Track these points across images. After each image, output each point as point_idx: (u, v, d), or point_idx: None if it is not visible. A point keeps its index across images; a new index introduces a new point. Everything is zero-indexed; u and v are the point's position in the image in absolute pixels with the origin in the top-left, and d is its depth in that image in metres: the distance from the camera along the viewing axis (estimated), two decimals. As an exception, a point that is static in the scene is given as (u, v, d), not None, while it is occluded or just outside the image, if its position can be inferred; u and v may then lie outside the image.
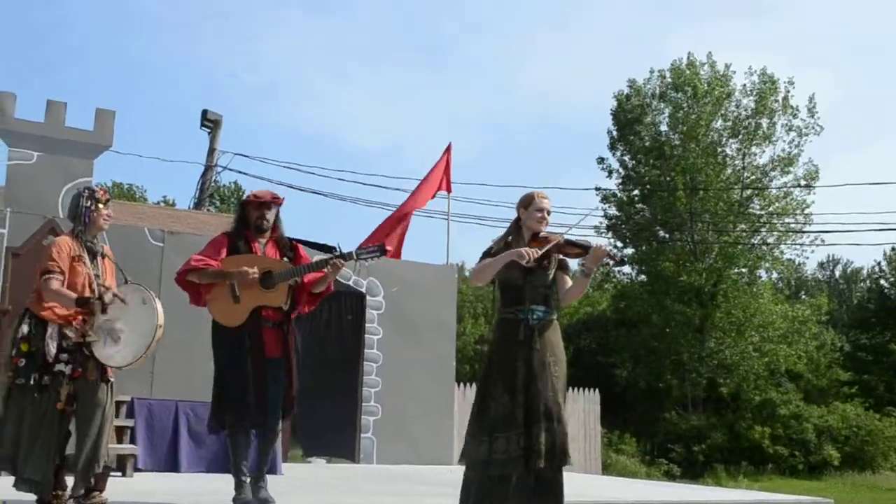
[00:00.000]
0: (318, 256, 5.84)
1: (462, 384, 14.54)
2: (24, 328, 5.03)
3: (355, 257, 5.74)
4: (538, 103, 75.87)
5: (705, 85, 29.90)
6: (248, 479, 5.67)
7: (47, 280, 5.01)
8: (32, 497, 5.04)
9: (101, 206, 5.30)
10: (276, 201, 5.87)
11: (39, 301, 5.09)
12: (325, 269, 5.69)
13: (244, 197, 6.08)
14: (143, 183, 52.92)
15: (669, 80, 30.51)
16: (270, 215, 5.85)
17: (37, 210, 9.85)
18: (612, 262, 5.57)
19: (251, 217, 5.82)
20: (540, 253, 5.31)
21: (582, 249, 5.52)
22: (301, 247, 6.01)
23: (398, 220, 13.41)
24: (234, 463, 5.71)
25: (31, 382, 4.93)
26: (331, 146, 73.11)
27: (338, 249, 5.76)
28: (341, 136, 74.79)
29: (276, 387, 5.68)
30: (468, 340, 30.05)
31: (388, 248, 5.84)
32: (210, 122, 21.75)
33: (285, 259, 5.82)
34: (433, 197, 13.52)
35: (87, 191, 5.36)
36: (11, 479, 5.09)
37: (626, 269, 31.92)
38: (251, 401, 5.51)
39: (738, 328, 28.80)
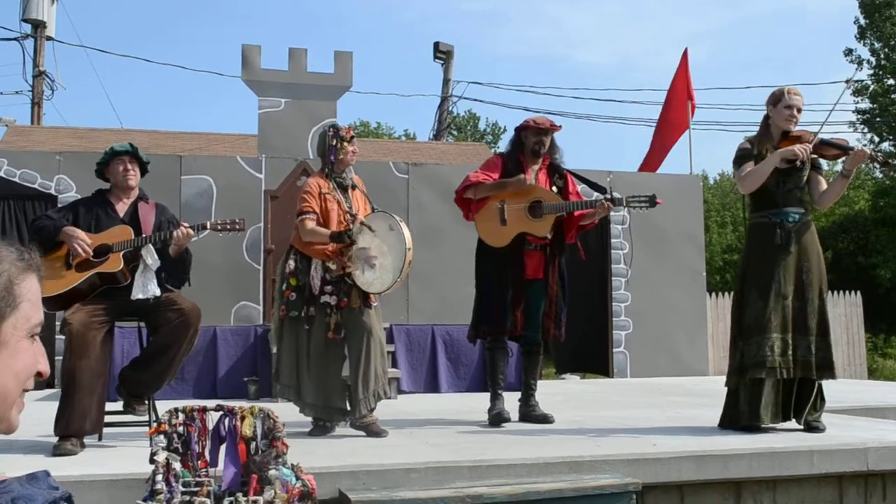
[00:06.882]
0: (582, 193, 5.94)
1: (713, 294, 14.22)
2: (291, 263, 5.36)
3: (625, 204, 5.72)
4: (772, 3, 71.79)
5: (965, -45, 27.14)
6: (503, 393, 5.92)
7: (302, 221, 5.30)
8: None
9: (345, 143, 5.47)
10: (553, 128, 5.94)
11: (301, 238, 5.40)
12: (594, 208, 5.75)
13: (522, 122, 6.06)
14: (384, 119, 54.49)
15: (922, -45, 27.93)
16: (547, 141, 5.94)
17: (288, 154, 10.37)
18: (877, 165, 5.30)
19: (528, 142, 5.93)
20: (810, 151, 5.10)
21: (840, 150, 5.23)
22: (571, 178, 6.06)
23: (667, 135, 13.24)
24: (491, 376, 5.99)
25: (302, 314, 5.27)
26: (561, 67, 72.47)
27: (608, 191, 5.77)
28: (572, 55, 73.83)
29: (537, 306, 5.84)
30: (715, 250, 29.29)
31: (659, 201, 5.74)
32: (442, 54, 21.98)
33: (555, 188, 5.88)
34: (690, 102, 13.15)
35: (331, 129, 5.53)
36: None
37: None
38: (508, 318, 5.70)
39: None
